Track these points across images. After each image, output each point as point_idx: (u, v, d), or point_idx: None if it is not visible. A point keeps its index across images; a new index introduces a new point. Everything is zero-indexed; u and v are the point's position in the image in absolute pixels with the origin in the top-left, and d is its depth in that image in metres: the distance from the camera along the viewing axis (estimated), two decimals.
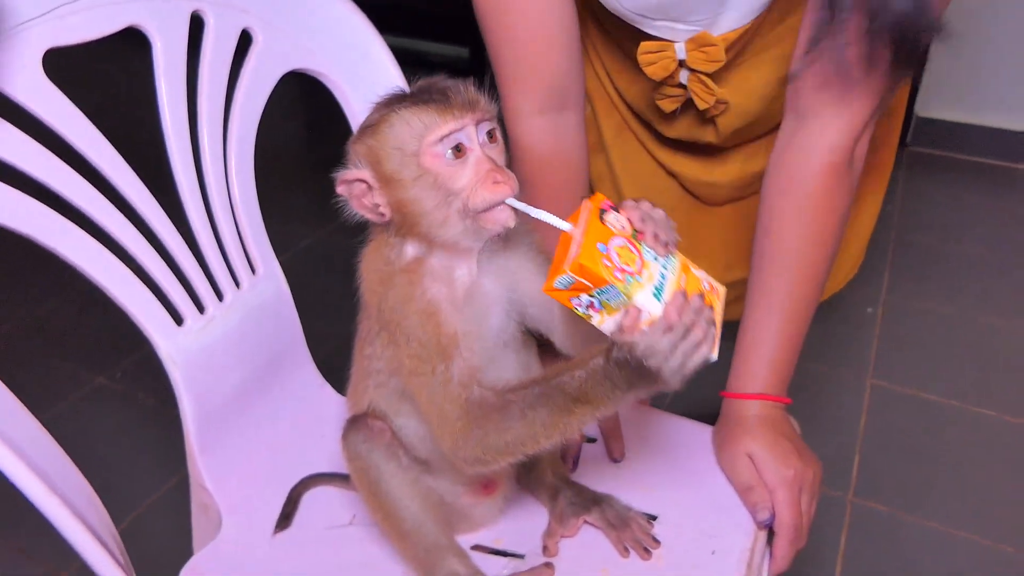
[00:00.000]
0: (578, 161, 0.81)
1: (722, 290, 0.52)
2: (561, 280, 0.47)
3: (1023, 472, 1.34)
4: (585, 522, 0.66)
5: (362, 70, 0.76)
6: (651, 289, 0.47)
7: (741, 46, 0.73)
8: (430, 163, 0.51)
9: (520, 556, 0.65)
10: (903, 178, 2.29)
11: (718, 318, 0.50)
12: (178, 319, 0.66)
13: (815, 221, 0.70)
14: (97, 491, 0.57)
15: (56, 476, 0.50)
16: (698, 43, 0.72)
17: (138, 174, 0.63)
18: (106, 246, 0.61)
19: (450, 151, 0.51)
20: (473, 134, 0.52)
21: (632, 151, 0.91)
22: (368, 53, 0.75)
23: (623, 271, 0.47)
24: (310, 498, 0.70)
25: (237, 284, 0.71)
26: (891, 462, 1.37)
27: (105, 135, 0.61)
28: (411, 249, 0.56)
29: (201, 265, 0.67)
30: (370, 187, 0.54)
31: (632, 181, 0.92)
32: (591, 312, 0.49)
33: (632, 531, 0.64)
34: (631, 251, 0.48)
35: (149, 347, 0.65)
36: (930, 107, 2.40)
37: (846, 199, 0.70)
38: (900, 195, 2.20)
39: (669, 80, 0.77)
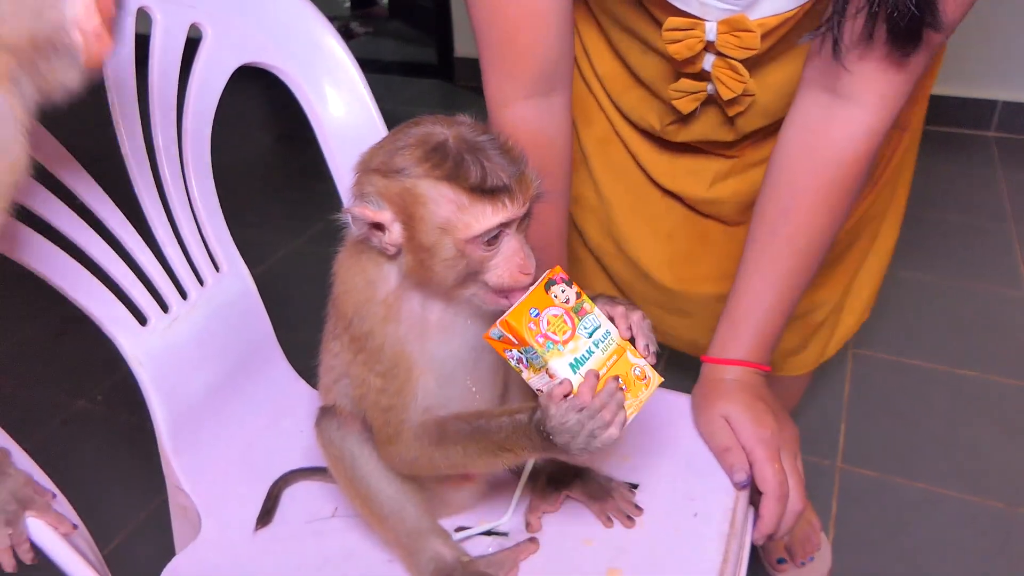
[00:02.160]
0: (562, 143, 0.78)
1: (657, 381, 0.56)
2: (494, 331, 0.52)
3: (1007, 428, 1.36)
4: (567, 496, 0.66)
5: (316, 62, 0.75)
6: (570, 359, 0.52)
7: (778, 36, 0.67)
8: (468, 249, 0.51)
9: (504, 534, 0.64)
10: None
11: (637, 405, 0.54)
12: (142, 319, 0.65)
13: (839, 205, 0.68)
14: (81, 514, 0.56)
15: None
16: (732, 26, 0.66)
17: (91, 173, 0.62)
18: (63, 248, 0.60)
19: (490, 238, 0.52)
20: (515, 224, 0.52)
21: (619, 163, 0.87)
22: (320, 45, 0.75)
23: (547, 337, 0.52)
24: (290, 494, 0.70)
25: (201, 282, 0.70)
26: (877, 427, 1.37)
27: (55, 136, 0.60)
28: (394, 277, 0.56)
29: (162, 263, 0.66)
30: (387, 230, 0.52)
31: (622, 200, 0.88)
32: (520, 367, 0.54)
33: (614, 501, 0.64)
34: (565, 322, 0.53)
35: (128, 368, 0.65)
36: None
37: (865, 180, 0.69)
38: None
39: (689, 67, 0.71)
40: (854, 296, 1.00)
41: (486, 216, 0.50)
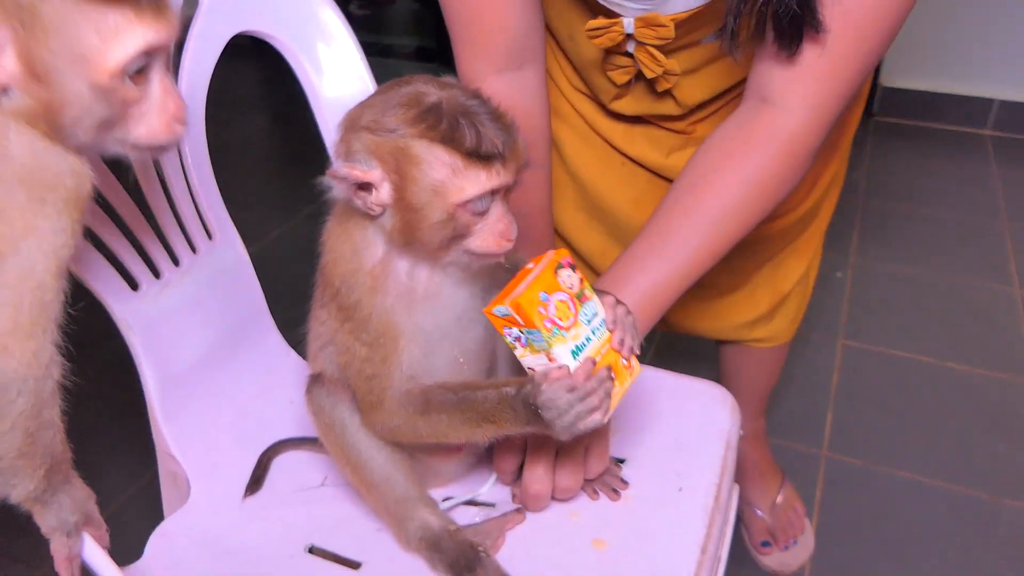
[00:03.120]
0: (540, 115, 0.79)
1: (639, 370, 0.58)
2: (499, 309, 0.53)
3: (991, 421, 1.37)
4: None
5: (313, 32, 0.75)
6: (571, 346, 0.53)
7: (691, 27, 0.72)
8: (457, 213, 0.51)
9: (491, 505, 0.65)
10: (870, 147, 2.32)
11: (621, 393, 0.55)
12: (133, 284, 0.65)
13: (756, 200, 0.67)
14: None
15: None
16: (647, 21, 0.71)
17: None
18: None
19: (480, 204, 0.52)
20: (503, 191, 0.53)
21: (581, 131, 0.89)
22: (316, 15, 0.75)
23: (553, 323, 0.53)
24: (280, 463, 0.70)
25: (194, 250, 0.70)
26: (863, 417, 1.39)
27: None
28: (381, 245, 0.55)
29: (155, 230, 0.66)
30: (371, 185, 0.52)
31: (589, 167, 0.89)
32: (516, 344, 0.54)
33: (601, 476, 0.65)
34: (569, 308, 0.54)
35: (119, 345, 0.65)
36: (895, 77, 2.44)
37: (791, 187, 0.68)
38: (867, 164, 2.23)
39: (616, 50, 0.76)
40: (813, 270, 1.02)
41: (479, 181, 0.51)
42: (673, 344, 1.46)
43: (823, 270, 1.75)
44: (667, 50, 0.74)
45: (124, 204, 0.64)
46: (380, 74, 0.59)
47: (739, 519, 1.20)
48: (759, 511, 1.18)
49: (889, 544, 1.16)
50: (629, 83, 0.80)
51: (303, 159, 2.12)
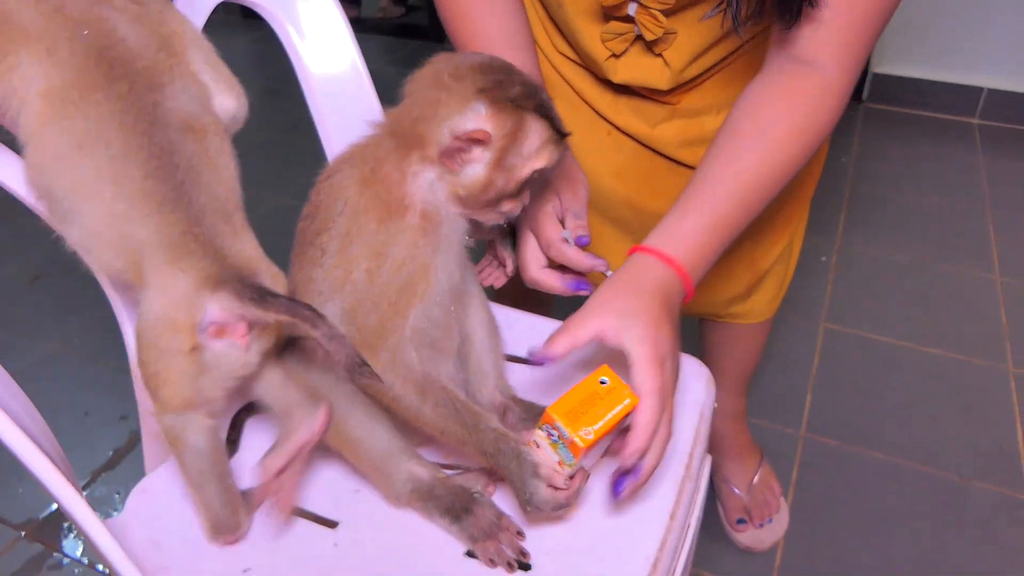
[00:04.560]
0: (519, 8, 0.80)
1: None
2: (562, 426, 0.56)
3: (966, 405, 1.40)
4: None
5: (302, 5, 0.75)
6: (579, 464, 0.58)
7: None
8: (529, 177, 0.61)
9: (470, 469, 0.66)
10: (859, 133, 2.33)
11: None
12: None
13: (795, 153, 0.68)
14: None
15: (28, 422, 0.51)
16: None
17: None
18: None
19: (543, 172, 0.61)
20: None
21: (567, 98, 0.89)
22: None
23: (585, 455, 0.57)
24: (256, 423, 0.71)
25: None
26: (842, 400, 1.41)
27: None
28: (438, 193, 0.59)
29: None
30: (482, 144, 0.57)
31: (573, 134, 0.90)
32: (544, 437, 0.57)
33: None
34: (599, 447, 0.59)
35: (104, 313, 0.64)
36: (885, 63, 2.44)
37: (826, 137, 0.71)
38: (856, 150, 2.24)
39: (616, 12, 0.77)
40: (795, 248, 1.03)
41: (553, 155, 0.61)
42: None
43: (808, 253, 1.78)
44: (668, 12, 0.75)
45: None
46: (372, 52, 0.60)
47: (716, 496, 1.22)
48: (736, 489, 1.20)
49: (862, 523, 1.19)
50: (625, 51, 0.81)
51: (293, 135, 2.11)
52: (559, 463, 0.57)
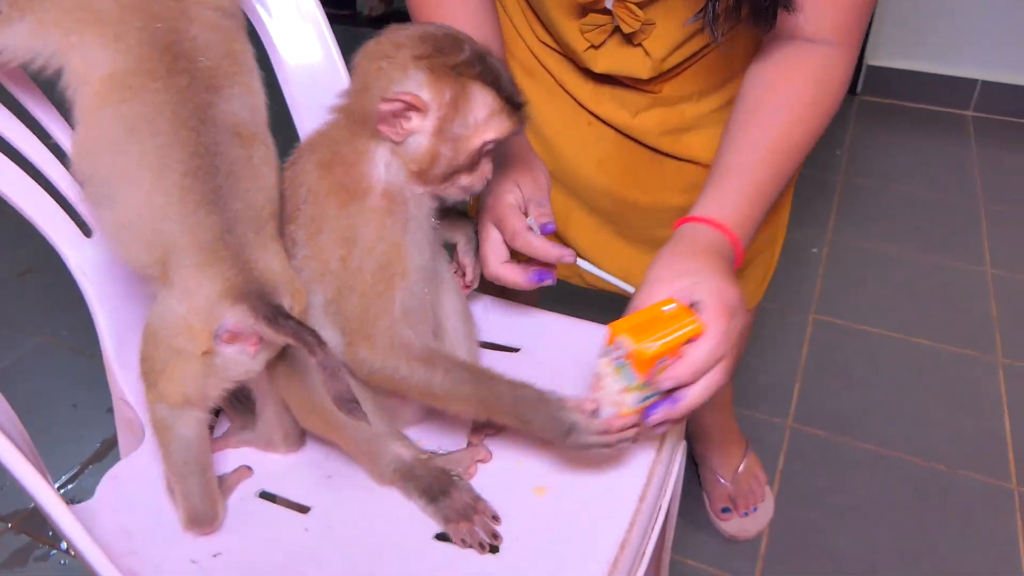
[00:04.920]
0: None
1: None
2: (647, 345, 0.55)
3: (954, 396, 1.40)
4: None
5: None
6: (642, 397, 0.58)
7: None
8: (478, 149, 0.59)
9: (454, 452, 0.66)
10: (853, 125, 2.33)
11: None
12: (87, 231, 0.65)
13: (806, 129, 0.70)
14: (45, 441, 0.56)
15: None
16: None
17: (38, 85, 0.63)
18: (7, 156, 0.60)
19: (494, 144, 0.60)
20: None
21: (548, 87, 0.89)
22: None
23: (650, 378, 0.56)
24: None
25: None
26: (829, 390, 1.41)
27: None
28: (393, 171, 0.59)
29: None
30: (418, 111, 0.56)
31: (552, 123, 0.90)
32: (606, 366, 0.57)
33: None
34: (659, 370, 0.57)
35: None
36: (879, 55, 2.44)
37: (835, 111, 0.72)
38: (849, 142, 2.24)
39: (593, 6, 0.77)
40: (779, 236, 1.03)
41: (505, 126, 0.59)
42: None
43: (799, 245, 1.78)
44: (643, 4, 0.75)
45: None
46: (354, 44, 0.61)
47: (701, 485, 1.22)
48: (721, 478, 1.20)
49: (847, 513, 1.19)
50: (603, 42, 0.81)
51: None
52: (624, 390, 0.56)
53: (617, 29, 0.79)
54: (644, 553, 0.60)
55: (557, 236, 0.97)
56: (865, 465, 1.26)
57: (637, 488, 0.61)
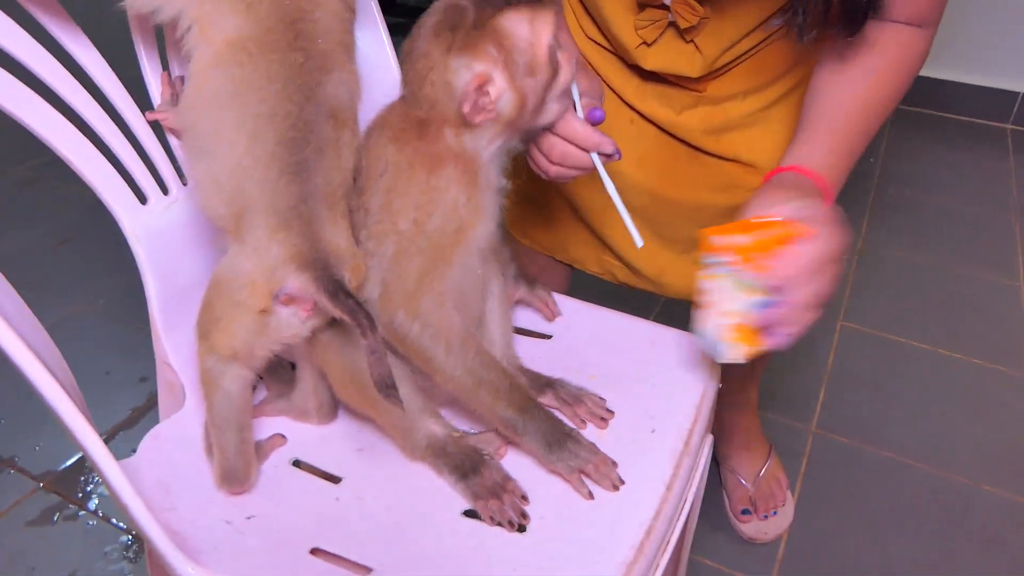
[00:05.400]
0: None
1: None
2: (724, 239, 0.56)
3: (980, 409, 1.38)
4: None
5: None
6: (753, 300, 0.57)
7: None
8: (551, 55, 0.59)
9: (486, 431, 0.67)
10: (888, 134, 2.30)
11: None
12: (142, 199, 0.67)
13: (903, 81, 0.72)
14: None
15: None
16: None
17: (104, 56, 0.64)
18: (71, 121, 0.62)
19: (553, 48, 0.59)
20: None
21: None
22: None
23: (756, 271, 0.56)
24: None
25: None
26: (854, 398, 1.40)
27: (73, 18, 0.62)
28: (463, 143, 0.60)
29: (165, 149, 0.69)
30: (489, 83, 0.57)
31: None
32: (711, 278, 0.57)
33: (587, 405, 0.67)
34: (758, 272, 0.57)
35: (127, 277, 0.66)
36: None
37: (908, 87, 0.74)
38: (884, 151, 2.21)
39: (652, 1, 0.77)
40: None
41: (548, 21, 0.58)
42: (672, 309, 1.48)
43: None
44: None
45: (138, 120, 0.67)
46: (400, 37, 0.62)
47: (722, 486, 1.22)
48: (743, 480, 1.20)
49: (867, 521, 1.18)
50: (656, 39, 0.81)
51: None
52: (743, 294, 0.56)
53: (671, 25, 0.79)
54: (668, 542, 0.61)
55: (593, 233, 0.98)
56: (887, 474, 1.26)
57: (664, 477, 0.62)
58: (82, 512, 1.16)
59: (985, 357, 1.49)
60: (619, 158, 0.67)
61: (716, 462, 1.24)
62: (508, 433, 0.63)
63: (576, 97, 0.66)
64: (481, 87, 0.57)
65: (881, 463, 1.28)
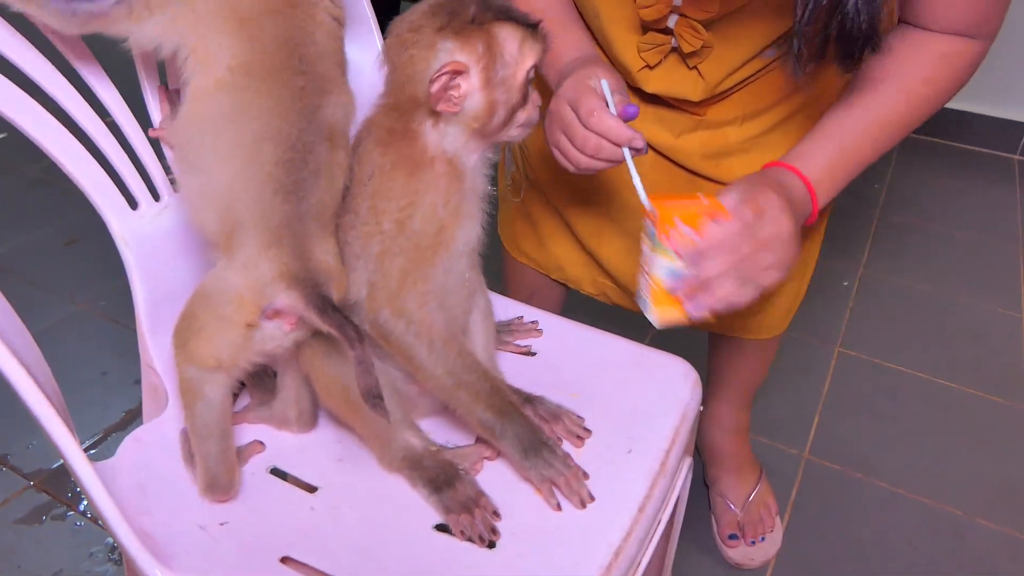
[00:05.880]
0: None
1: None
2: (650, 204, 0.63)
3: (976, 441, 1.37)
4: None
5: None
6: (669, 266, 0.63)
7: (738, 4, 0.73)
8: (528, 76, 0.61)
9: (464, 447, 0.68)
10: (895, 161, 2.30)
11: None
12: (133, 204, 0.68)
13: (919, 107, 0.71)
14: (71, 404, 0.59)
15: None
16: None
17: (100, 62, 0.66)
18: (63, 124, 0.63)
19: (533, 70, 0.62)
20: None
21: None
22: None
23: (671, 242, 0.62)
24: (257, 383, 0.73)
25: None
26: (849, 425, 1.39)
27: None
28: (444, 144, 0.61)
29: (158, 155, 0.70)
30: (463, 74, 0.59)
31: None
32: (645, 237, 0.63)
33: (564, 423, 0.68)
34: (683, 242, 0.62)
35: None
36: None
37: (953, 95, 0.74)
38: (890, 177, 2.21)
39: (656, 25, 0.78)
40: (809, 265, 1.02)
41: (536, 48, 0.61)
42: (667, 332, 1.48)
43: (830, 277, 1.76)
44: (707, 24, 0.76)
45: (131, 125, 0.68)
46: None
47: (711, 509, 1.21)
48: (731, 504, 1.20)
49: (857, 551, 1.17)
50: (659, 62, 0.81)
51: None
52: (662, 259, 0.61)
53: (674, 50, 0.79)
54: (640, 564, 0.61)
55: (588, 254, 0.98)
56: (879, 503, 1.25)
57: (638, 498, 0.62)
58: (71, 512, 1.16)
59: (984, 388, 1.48)
60: (645, 152, 0.68)
61: (705, 484, 1.24)
62: (486, 436, 0.63)
63: (608, 95, 0.67)
64: (455, 75, 0.58)
65: (874, 492, 1.27)
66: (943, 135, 2.42)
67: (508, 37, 0.59)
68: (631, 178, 0.67)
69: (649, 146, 0.89)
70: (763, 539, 1.17)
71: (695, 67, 0.80)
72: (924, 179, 2.23)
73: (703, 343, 1.16)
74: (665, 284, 0.62)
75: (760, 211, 0.62)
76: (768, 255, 0.62)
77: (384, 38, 0.63)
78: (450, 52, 0.58)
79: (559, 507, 0.60)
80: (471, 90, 0.59)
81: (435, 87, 0.58)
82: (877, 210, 2.05)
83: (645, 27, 0.79)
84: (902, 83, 0.70)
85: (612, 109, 0.67)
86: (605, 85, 0.68)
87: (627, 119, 0.68)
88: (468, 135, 0.61)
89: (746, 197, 0.63)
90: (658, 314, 0.64)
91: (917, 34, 0.71)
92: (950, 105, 2.36)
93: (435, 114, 0.60)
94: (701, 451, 1.26)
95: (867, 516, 1.23)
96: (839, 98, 0.73)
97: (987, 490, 1.27)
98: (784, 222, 0.63)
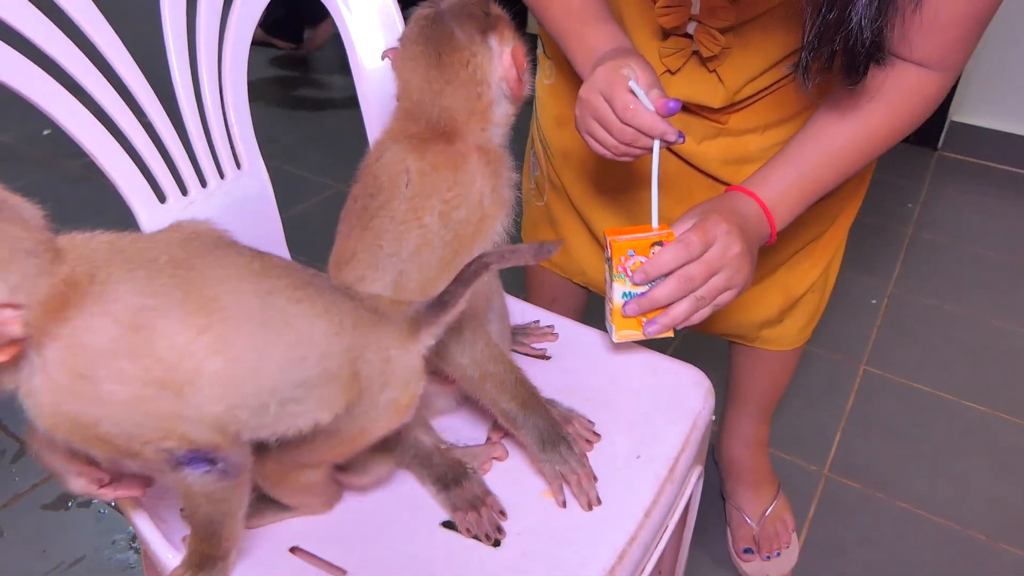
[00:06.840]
0: None
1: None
2: (619, 238, 0.67)
3: (1000, 464, 1.34)
4: None
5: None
6: (624, 290, 0.68)
7: (756, 12, 0.74)
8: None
9: (473, 447, 0.68)
10: (929, 180, 2.26)
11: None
12: (162, 197, 0.70)
13: (897, 129, 0.73)
14: None
15: None
16: (713, 2, 0.74)
17: (132, 56, 0.68)
18: (95, 115, 0.65)
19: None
20: None
21: None
22: None
23: (624, 270, 0.67)
24: None
25: (222, 175, 0.75)
26: (870, 443, 1.37)
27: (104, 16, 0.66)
28: (479, 137, 0.64)
29: (187, 150, 0.71)
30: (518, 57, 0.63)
31: None
32: (606, 266, 0.68)
33: (574, 426, 0.68)
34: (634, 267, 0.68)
35: None
36: (964, 112, 2.37)
37: (917, 126, 0.75)
38: (924, 196, 2.18)
39: (676, 31, 0.79)
40: (830, 278, 1.01)
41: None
42: (691, 342, 1.47)
43: (859, 294, 1.74)
44: (725, 30, 0.77)
45: (162, 121, 0.70)
46: None
47: (727, 523, 1.20)
48: (748, 518, 1.18)
49: (874, 571, 1.15)
50: (680, 67, 0.82)
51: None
52: (618, 284, 0.67)
53: (695, 54, 0.80)
54: (644, 570, 0.61)
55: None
56: (899, 524, 1.23)
57: (644, 504, 0.62)
58: (95, 500, 1.19)
59: (1012, 412, 1.45)
60: (683, 141, 0.69)
61: (722, 497, 1.23)
62: (508, 426, 0.64)
63: (642, 95, 0.68)
64: (518, 58, 0.62)
65: (894, 512, 1.24)
66: (977, 154, 2.38)
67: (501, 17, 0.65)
68: (651, 178, 0.70)
69: (670, 150, 0.90)
70: (778, 554, 1.15)
71: (715, 70, 0.81)
72: (958, 199, 2.20)
73: (724, 356, 1.15)
74: (623, 308, 0.67)
75: (708, 235, 0.66)
76: (719, 277, 0.66)
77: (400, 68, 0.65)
78: (499, 45, 0.62)
79: (565, 504, 0.61)
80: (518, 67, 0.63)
81: (513, 79, 0.63)
82: (910, 228, 2.02)
83: (666, 32, 0.80)
84: (868, 113, 0.71)
85: (648, 105, 0.68)
86: (635, 86, 0.68)
87: (668, 114, 0.69)
88: (510, 116, 0.65)
89: (696, 224, 0.67)
90: (619, 334, 0.69)
91: (884, 66, 0.70)
92: (984, 124, 2.33)
93: (484, 116, 0.63)
94: (719, 463, 1.25)
95: (886, 537, 1.20)
96: (805, 123, 0.75)
97: (1012, 515, 1.24)
98: (732, 244, 0.67)
